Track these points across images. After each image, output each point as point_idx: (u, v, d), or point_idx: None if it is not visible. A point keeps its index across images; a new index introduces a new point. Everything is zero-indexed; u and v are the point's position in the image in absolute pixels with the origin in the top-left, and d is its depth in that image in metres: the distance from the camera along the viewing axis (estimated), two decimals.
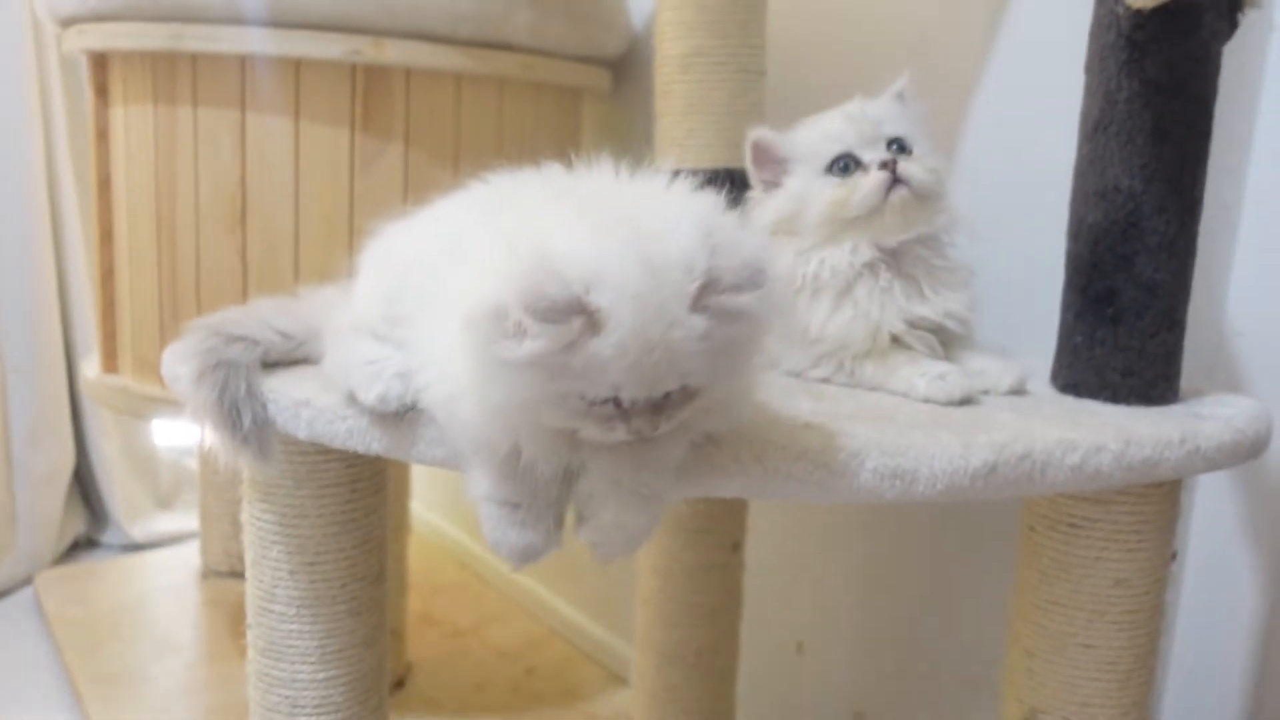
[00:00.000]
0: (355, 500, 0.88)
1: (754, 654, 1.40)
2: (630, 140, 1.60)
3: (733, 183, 0.94)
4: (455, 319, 0.60)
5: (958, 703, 1.28)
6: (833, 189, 0.87)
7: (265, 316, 0.84)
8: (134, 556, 2.20)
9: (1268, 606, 1.13)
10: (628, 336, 0.56)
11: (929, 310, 0.86)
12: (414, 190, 1.31)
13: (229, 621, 1.84)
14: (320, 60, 1.23)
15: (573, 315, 0.55)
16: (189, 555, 2.14)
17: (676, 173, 0.70)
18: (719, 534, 1.22)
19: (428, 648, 1.81)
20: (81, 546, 2.24)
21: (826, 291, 0.86)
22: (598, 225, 0.59)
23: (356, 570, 0.90)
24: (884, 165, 0.86)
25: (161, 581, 2.07)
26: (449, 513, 2.34)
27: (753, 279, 0.59)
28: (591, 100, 1.60)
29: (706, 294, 0.58)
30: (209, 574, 2.05)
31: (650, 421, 0.61)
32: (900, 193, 0.86)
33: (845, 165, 0.88)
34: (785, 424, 0.74)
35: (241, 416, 0.76)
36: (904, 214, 0.87)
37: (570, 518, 0.69)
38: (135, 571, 2.12)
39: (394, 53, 1.24)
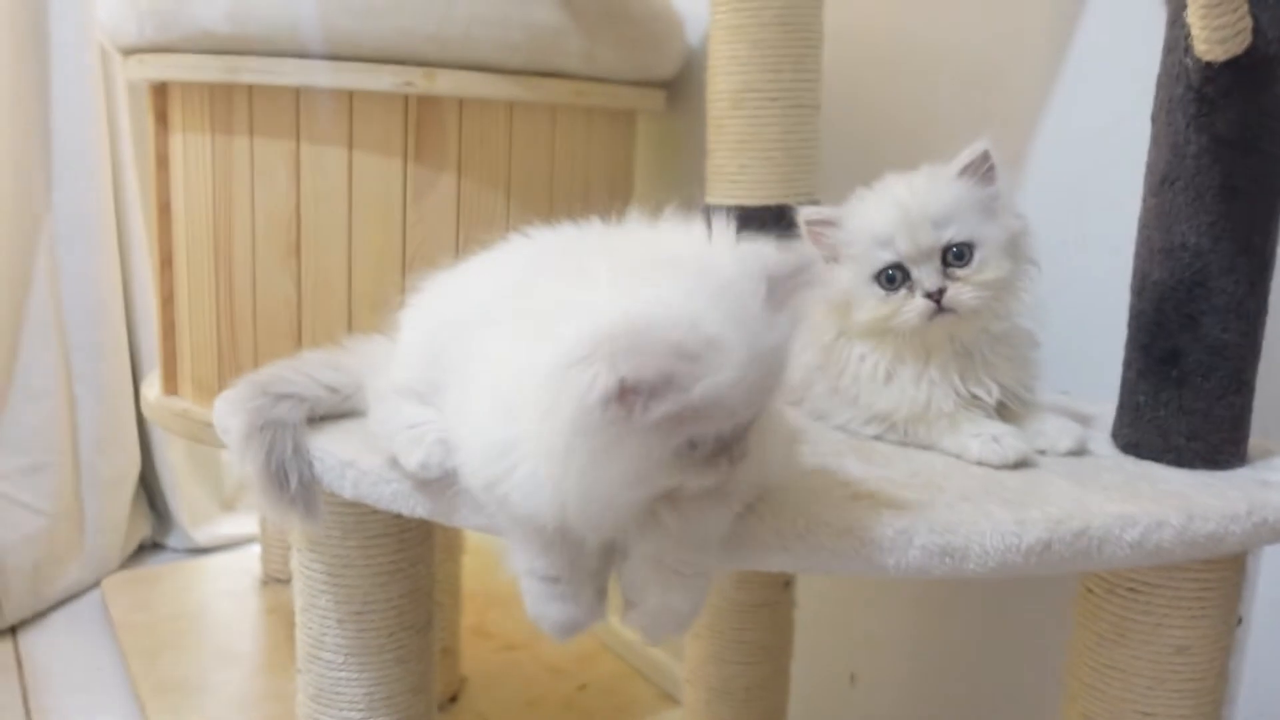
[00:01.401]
0: (402, 551, 0.89)
1: (807, 684, 1.39)
2: (685, 159, 1.58)
3: (785, 219, 0.93)
4: (527, 398, 0.59)
5: None
6: (876, 302, 0.83)
7: (312, 371, 0.85)
8: (197, 561, 2.24)
9: None
10: (742, 355, 0.56)
11: (983, 391, 0.83)
12: (466, 219, 1.31)
13: (288, 630, 1.87)
14: (373, 92, 1.23)
15: (692, 359, 0.55)
16: (250, 561, 2.18)
17: (713, 210, 0.68)
18: (770, 572, 1.21)
19: (481, 662, 1.82)
20: (147, 550, 2.29)
21: (868, 378, 0.84)
22: (656, 274, 0.59)
23: (404, 619, 0.90)
24: (930, 295, 0.81)
25: (223, 587, 2.11)
26: None
27: (806, 268, 0.61)
28: (646, 119, 1.58)
29: (775, 291, 0.59)
30: (269, 580, 2.09)
31: (742, 446, 0.61)
32: (945, 318, 0.82)
33: (893, 277, 0.83)
34: (831, 495, 0.72)
35: (289, 478, 0.77)
36: (951, 331, 0.83)
37: (616, 599, 0.68)
38: (197, 577, 2.16)
39: (446, 83, 1.24)
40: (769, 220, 1.05)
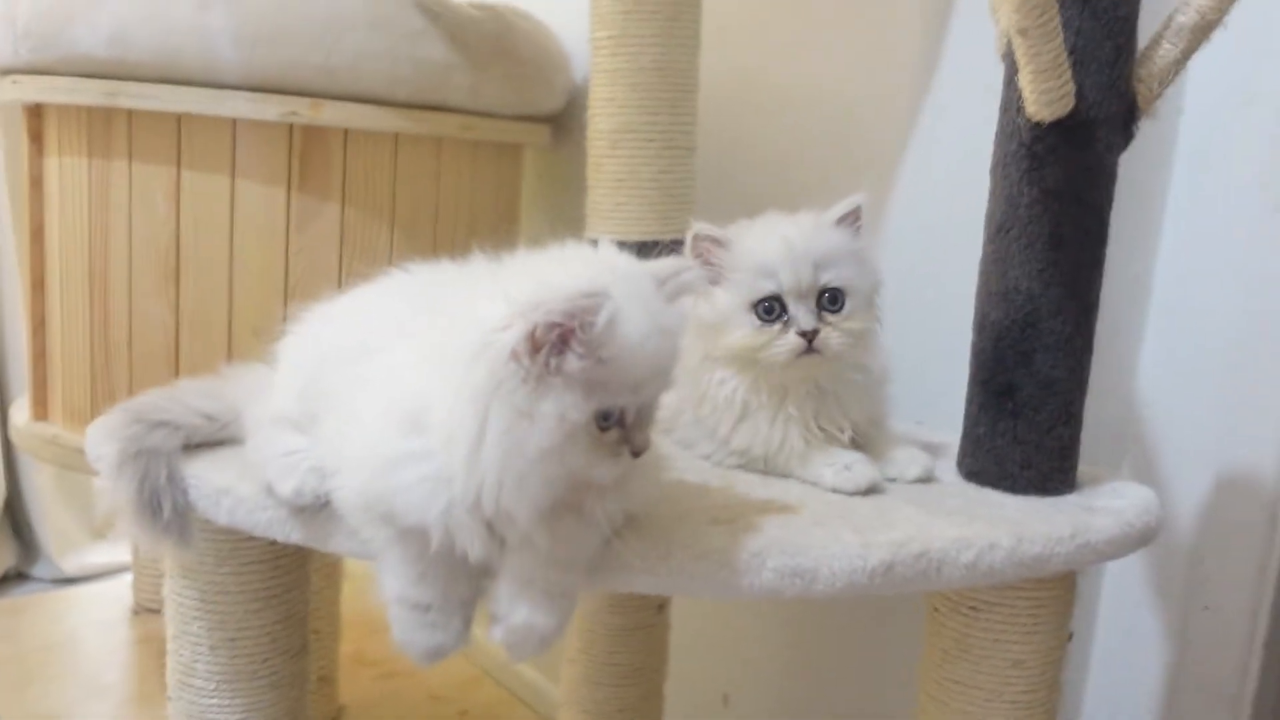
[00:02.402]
0: (277, 577, 0.90)
1: (681, 705, 1.42)
2: (570, 191, 1.62)
3: (661, 254, 0.97)
4: (447, 390, 0.63)
5: None
6: (751, 331, 0.87)
7: (188, 399, 0.85)
8: (65, 591, 2.18)
9: (1171, 677, 1.17)
10: (644, 322, 0.64)
11: (835, 428, 0.88)
12: (350, 248, 1.32)
13: (159, 660, 1.81)
14: (257, 121, 1.24)
15: (593, 307, 0.60)
16: (121, 590, 2.12)
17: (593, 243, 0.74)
18: (644, 596, 1.24)
19: (360, 690, 1.81)
20: (11, 580, 2.21)
21: (726, 408, 0.89)
22: (559, 265, 0.67)
23: (278, 645, 0.91)
24: (804, 334, 0.85)
25: (92, 617, 2.05)
26: None
27: (687, 269, 0.70)
28: (532, 153, 1.62)
29: (667, 287, 0.67)
30: (140, 610, 2.04)
31: (644, 437, 0.67)
32: (811, 359, 0.86)
33: (770, 308, 0.86)
34: (692, 520, 0.76)
35: (162, 505, 0.77)
36: (811, 371, 0.88)
37: (481, 619, 0.71)
38: (66, 607, 2.10)
39: (332, 114, 1.25)
40: (646, 255, 1.10)
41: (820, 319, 0.86)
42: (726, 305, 0.88)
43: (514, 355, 0.61)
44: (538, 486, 0.64)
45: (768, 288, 0.86)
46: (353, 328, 0.77)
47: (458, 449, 0.63)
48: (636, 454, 0.67)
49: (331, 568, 1.60)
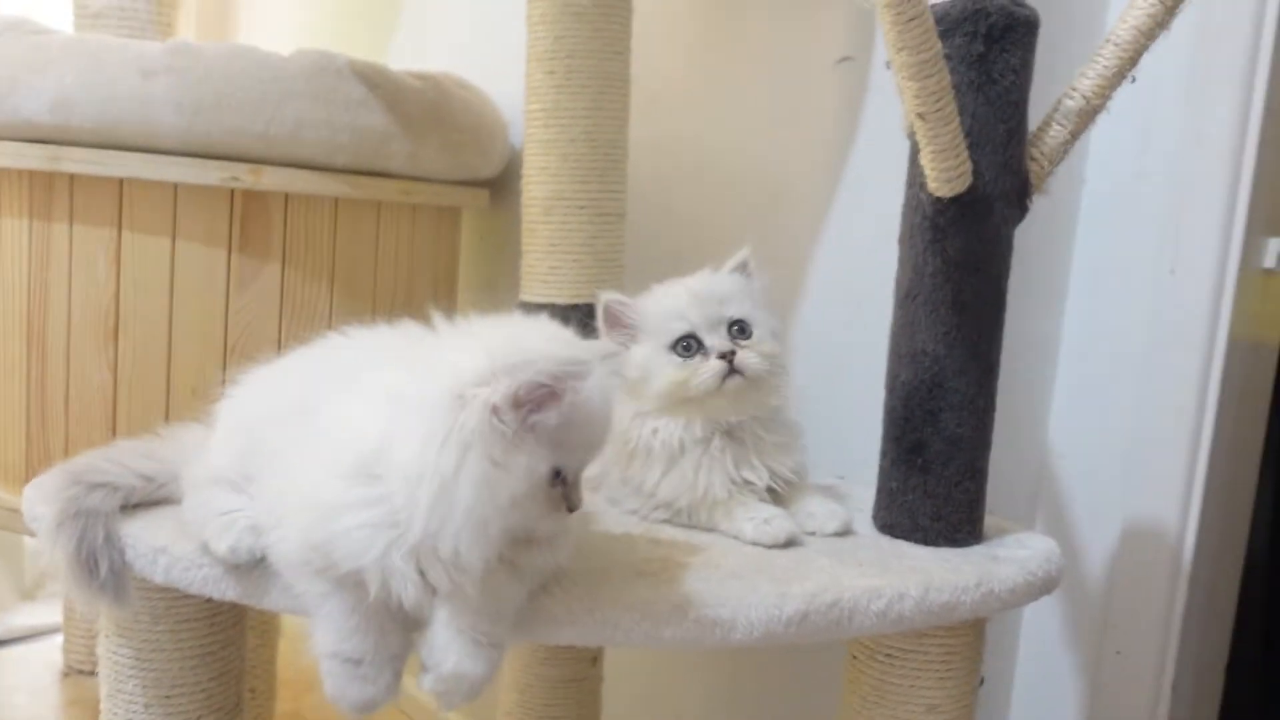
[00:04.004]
0: (213, 635, 0.91)
1: None
2: (508, 253, 1.66)
3: (592, 316, 1.01)
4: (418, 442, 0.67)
5: None
6: (674, 369, 0.93)
7: (127, 460, 0.87)
8: None
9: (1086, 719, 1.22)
10: (600, 391, 0.70)
11: (754, 476, 0.93)
12: (290, 309, 1.35)
13: None
14: (199, 185, 1.27)
15: (569, 374, 0.67)
16: (51, 652, 2.08)
17: (527, 306, 0.79)
18: (577, 650, 1.27)
19: None
20: None
21: (658, 457, 0.93)
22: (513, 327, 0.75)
23: (212, 702, 0.92)
24: (723, 355, 0.92)
25: (21, 680, 2.01)
26: None
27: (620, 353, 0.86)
28: (471, 216, 1.66)
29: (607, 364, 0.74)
30: (71, 672, 2.01)
31: (578, 495, 0.73)
32: (736, 380, 0.92)
33: (688, 345, 0.93)
34: (618, 573, 0.80)
35: (99, 565, 0.79)
36: (738, 398, 0.93)
37: (412, 667, 0.74)
38: None
39: (272, 179, 1.28)
40: (578, 318, 1.14)
41: (734, 344, 0.93)
42: (647, 356, 0.94)
43: (495, 410, 0.66)
44: (496, 534, 0.68)
45: (680, 328, 0.94)
46: (292, 387, 0.80)
47: (423, 492, 0.66)
48: (572, 510, 0.73)
49: (267, 625, 1.59)
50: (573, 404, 0.68)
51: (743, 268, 0.99)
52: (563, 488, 0.72)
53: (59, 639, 2.07)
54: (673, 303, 0.95)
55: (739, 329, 0.94)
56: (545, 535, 0.74)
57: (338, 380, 0.77)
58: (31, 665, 2.07)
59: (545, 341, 0.71)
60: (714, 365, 0.92)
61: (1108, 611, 1.20)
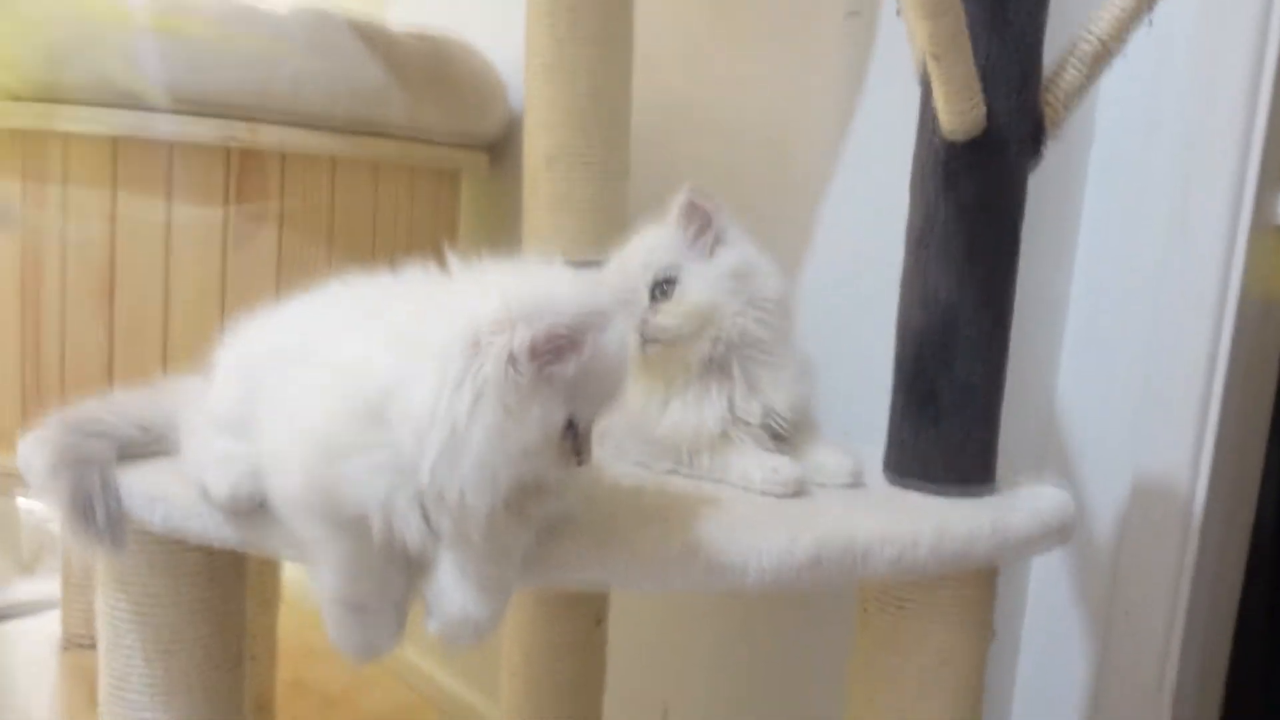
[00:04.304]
0: (212, 588, 0.90)
1: (620, 717, 1.43)
2: (507, 218, 1.64)
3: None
4: (458, 385, 0.65)
5: None
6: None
7: (124, 411, 0.86)
8: None
9: (1094, 678, 1.21)
10: (618, 341, 0.69)
11: (748, 413, 0.92)
12: (287, 270, 1.33)
13: (89, 695, 1.79)
14: (195, 143, 1.25)
15: (589, 324, 0.66)
16: (50, 625, 2.07)
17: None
18: (582, 610, 1.26)
19: (298, 715, 1.79)
20: None
21: (647, 410, 0.93)
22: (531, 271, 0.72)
23: (213, 657, 0.91)
24: (639, 325, 0.92)
25: (21, 653, 2.00)
26: None
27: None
28: (470, 179, 1.64)
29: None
30: (70, 645, 2.00)
31: (589, 449, 0.71)
32: (653, 347, 0.92)
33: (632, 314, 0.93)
34: (626, 519, 0.78)
35: (95, 511, 0.77)
36: (666, 358, 0.93)
37: (418, 609, 0.72)
38: None
39: (269, 137, 1.27)
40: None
41: (651, 309, 0.92)
42: None
43: (512, 358, 0.64)
44: (504, 483, 0.66)
45: (622, 298, 0.92)
46: (294, 329, 0.78)
47: (433, 438, 0.64)
48: (582, 463, 0.71)
49: (268, 593, 1.58)
50: (591, 355, 0.66)
51: (686, 214, 0.95)
52: (574, 440, 0.70)
53: (57, 612, 2.06)
54: (611, 272, 0.96)
55: (662, 291, 0.93)
56: (554, 485, 0.72)
57: (344, 322, 0.75)
58: (30, 638, 2.06)
59: (565, 289, 0.68)
60: (633, 339, 0.91)
61: (1116, 570, 1.19)
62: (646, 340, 0.91)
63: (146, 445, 0.87)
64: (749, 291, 0.94)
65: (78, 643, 1.98)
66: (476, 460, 0.64)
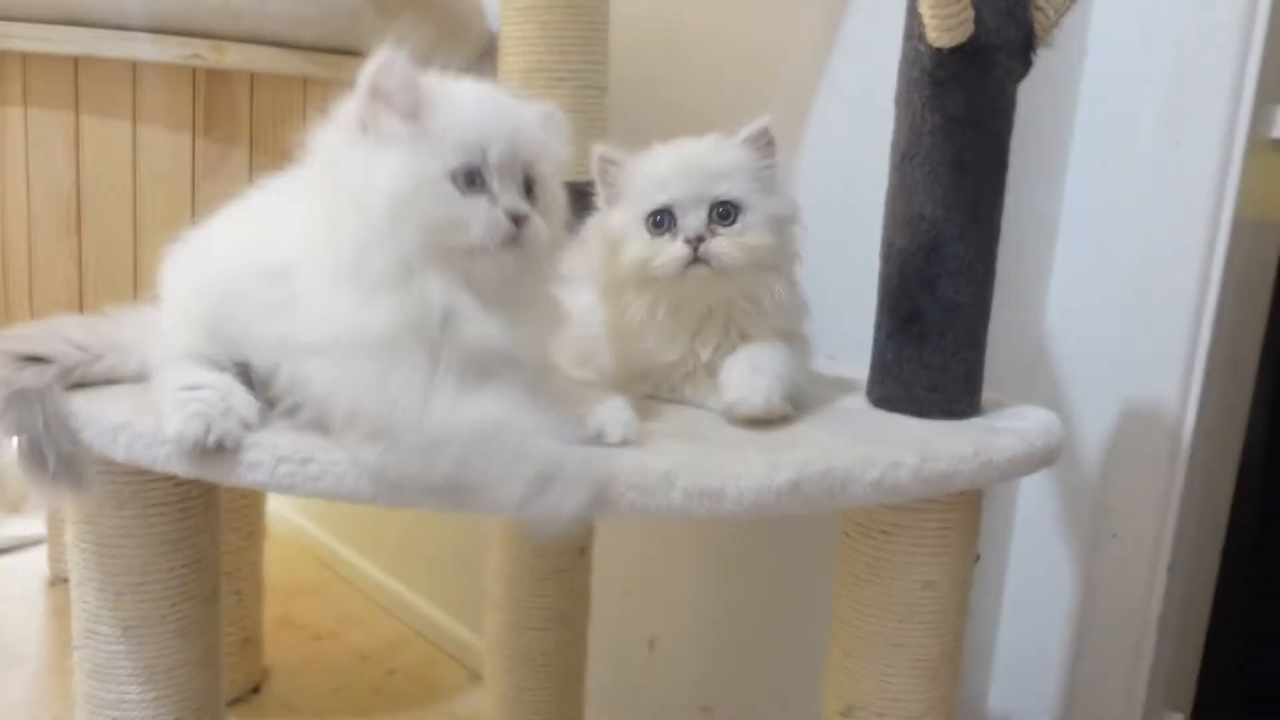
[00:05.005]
0: (184, 520, 0.88)
1: (607, 651, 1.43)
2: None
3: (575, 196, 0.96)
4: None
5: (798, 699, 1.34)
6: (641, 245, 0.87)
7: (60, 330, 0.83)
8: None
9: (1081, 602, 1.21)
10: (475, 96, 0.77)
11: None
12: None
13: None
14: (158, 63, 1.20)
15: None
16: (36, 562, 2.07)
17: None
18: (565, 538, 1.24)
19: (286, 651, 1.79)
20: None
21: (631, 332, 0.90)
22: None
23: (186, 590, 0.89)
24: (689, 240, 0.85)
25: (7, 590, 2.00)
26: (310, 511, 2.31)
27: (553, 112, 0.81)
28: None
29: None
30: (56, 581, 2.00)
31: (518, 203, 0.73)
32: (700, 270, 0.85)
33: (660, 221, 0.86)
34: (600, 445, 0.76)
35: (45, 454, 0.74)
36: (703, 289, 0.87)
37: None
38: None
39: (236, 57, 1.22)
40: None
41: (710, 230, 0.86)
42: (621, 222, 0.89)
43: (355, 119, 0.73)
44: (415, 237, 0.70)
45: (659, 199, 0.86)
46: (262, 247, 0.77)
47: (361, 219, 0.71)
48: (515, 218, 0.72)
49: (252, 528, 1.57)
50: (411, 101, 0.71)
51: (758, 140, 0.89)
52: (488, 195, 0.72)
53: (44, 549, 2.06)
54: (658, 170, 0.87)
55: (723, 211, 0.86)
56: (488, 243, 0.72)
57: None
58: (18, 575, 2.06)
59: None
60: (677, 250, 0.85)
61: (1104, 494, 1.18)
62: (697, 260, 0.85)
63: (89, 366, 0.83)
64: (782, 245, 0.89)
65: (64, 578, 1.97)
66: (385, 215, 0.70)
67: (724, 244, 0.85)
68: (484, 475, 0.67)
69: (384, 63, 0.72)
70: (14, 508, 2.29)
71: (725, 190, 0.86)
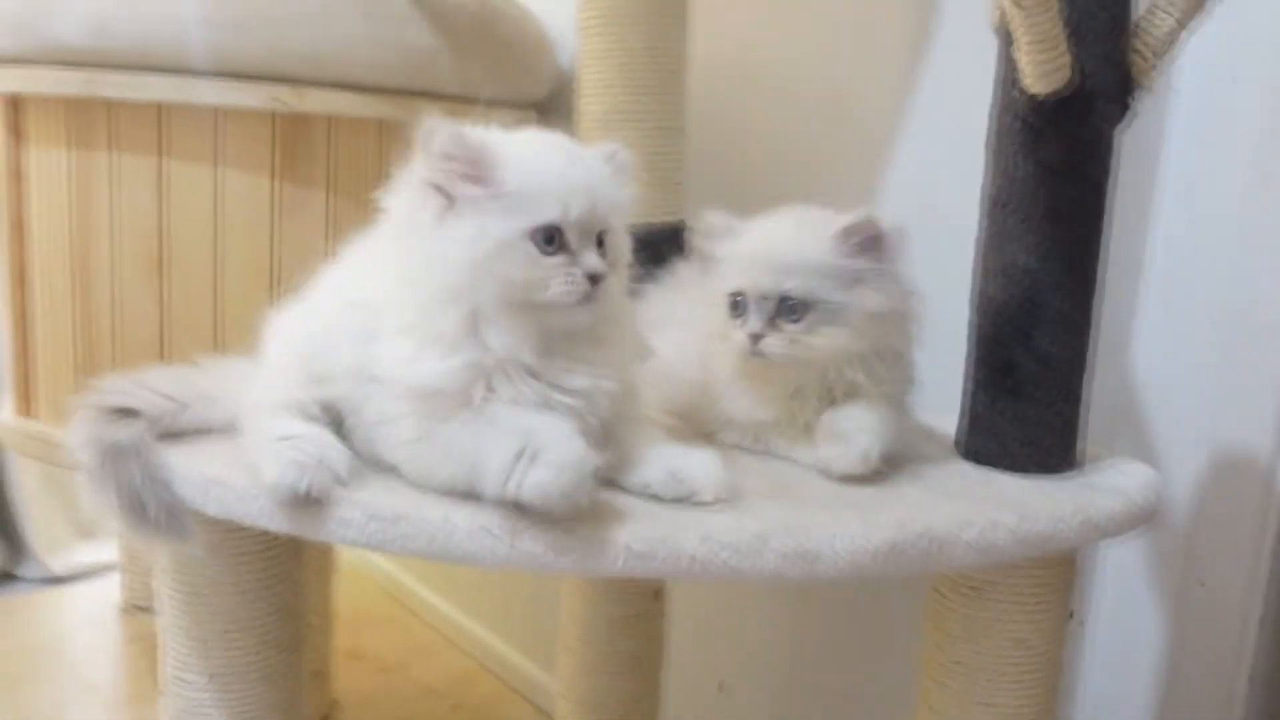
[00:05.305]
0: (271, 569, 0.88)
1: (677, 694, 1.42)
2: None
3: (653, 239, 0.96)
4: None
5: None
6: (722, 320, 0.88)
7: (146, 381, 0.84)
8: (54, 590, 2.15)
9: (1169, 654, 1.17)
10: (551, 156, 0.77)
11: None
12: (337, 236, 1.30)
13: (150, 659, 1.80)
14: (240, 108, 1.22)
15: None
16: (110, 589, 2.10)
17: None
18: (639, 583, 1.23)
19: (354, 684, 1.79)
20: None
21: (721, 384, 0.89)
22: None
23: (271, 638, 0.89)
24: (752, 335, 0.85)
25: (82, 616, 2.03)
26: None
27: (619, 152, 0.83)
28: None
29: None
30: (130, 608, 2.02)
31: (596, 260, 0.74)
32: (758, 362, 0.86)
33: (737, 303, 0.87)
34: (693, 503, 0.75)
35: (145, 507, 0.75)
36: (777, 371, 0.87)
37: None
38: (55, 607, 2.08)
39: (316, 101, 1.24)
40: (636, 238, 1.09)
41: (774, 324, 0.85)
42: (715, 291, 0.90)
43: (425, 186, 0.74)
44: (497, 295, 0.72)
45: (737, 282, 0.87)
46: (352, 305, 0.79)
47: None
48: (592, 277, 0.73)
49: (323, 561, 1.58)
50: (486, 166, 0.72)
51: (854, 234, 0.85)
52: (567, 253, 0.73)
53: (117, 576, 2.08)
54: (742, 249, 0.88)
55: (790, 307, 0.84)
56: (568, 302, 0.73)
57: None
58: (92, 602, 2.09)
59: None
60: (739, 339, 0.86)
61: (1192, 542, 1.15)
62: (754, 353, 0.85)
63: (178, 417, 0.85)
64: (880, 336, 0.87)
65: (137, 606, 2.00)
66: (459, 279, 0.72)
67: (781, 344, 0.85)
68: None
69: (437, 130, 0.73)
70: (88, 533, 2.33)
71: (794, 286, 0.85)
